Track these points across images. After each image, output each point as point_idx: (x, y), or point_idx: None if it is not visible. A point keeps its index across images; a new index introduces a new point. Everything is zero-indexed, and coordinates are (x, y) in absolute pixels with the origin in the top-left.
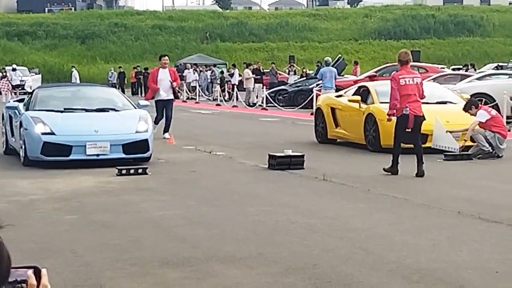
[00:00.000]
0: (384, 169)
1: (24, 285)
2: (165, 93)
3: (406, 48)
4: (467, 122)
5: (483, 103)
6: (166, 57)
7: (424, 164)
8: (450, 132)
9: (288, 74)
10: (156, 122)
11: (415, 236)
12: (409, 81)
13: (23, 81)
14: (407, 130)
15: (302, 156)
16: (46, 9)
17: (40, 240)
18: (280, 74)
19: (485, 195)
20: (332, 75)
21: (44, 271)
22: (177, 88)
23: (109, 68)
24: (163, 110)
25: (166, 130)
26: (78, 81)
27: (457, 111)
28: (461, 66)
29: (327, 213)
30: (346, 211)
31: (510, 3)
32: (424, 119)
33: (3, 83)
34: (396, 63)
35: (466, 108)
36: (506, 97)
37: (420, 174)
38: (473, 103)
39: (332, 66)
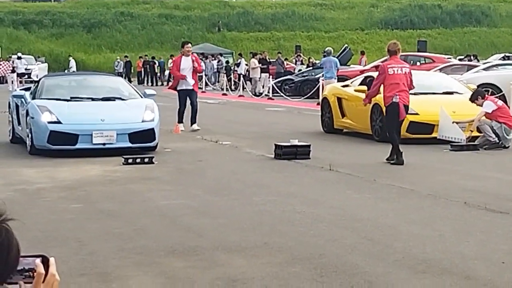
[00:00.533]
0: (386, 159)
1: (32, 273)
2: (188, 82)
3: (413, 38)
4: (474, 113)
5: (489, 93)
6: (189, 44)
7: (402, 152)
8: (457, 122)
9: (295, 64)
10: (180, 114)
11: (421, 226)
12: (397, 70)
13: (28, 69)
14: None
15: (308, 146)
16: None
17: (46, 229)
18: (287, 64)
19: (491, 186)
20: (332, 65)
21: (52, 260)
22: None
23: (115, 57)
24: (186, 100)
25: (193, 120)
26: (74, 70)
27: (464, 102)
28: (462, 57)
29: (333, 203)
30: (352, 201)
31: None
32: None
33: (3, 65)
34: (402, 53)
35: (473, 98)
36: None
37: (390, 160)
38: (479, 93)
39: (338, 56)
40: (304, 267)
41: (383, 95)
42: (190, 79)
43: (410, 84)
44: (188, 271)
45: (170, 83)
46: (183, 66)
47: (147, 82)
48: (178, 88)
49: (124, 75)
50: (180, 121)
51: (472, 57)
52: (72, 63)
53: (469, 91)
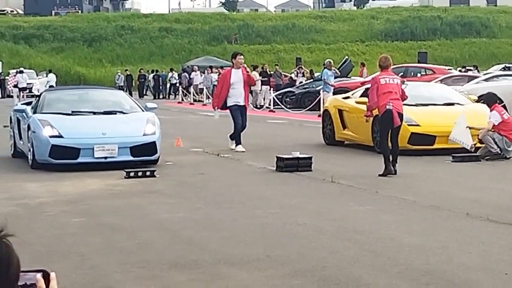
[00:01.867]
0: (379, 175)
1: None
2: (239, 98)
3: (413, 49)
4: (476, 123)
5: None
6: (242, 56)
7: (397, 164)
8: (470, 128)
9: (296, 76)
10: (236, 131)
11: (423, 238)
12: (389, 80)
13: (30, 83)
14: (395, 126)
15: (310, 158)
16: (53, 12)
17: (48, 243)
18: (285, 75)
19: (493, 197)
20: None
21: (53, 275)
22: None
23: (116, 71)
24: (240, 115)
25: (238, 141)
26: (53, 85)
27: (465, 113)
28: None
29: (335, 215)
30: (354, 213)
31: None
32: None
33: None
34: (402, 64)
35: (488, 102)
36: None
37: (391, 172)
38: (494, 99)
39: (339, 68)
40: (307, 280)
41: (377, 106)
42: (241, 95)
43: (403, 94)
44: (191, 285)
45: (212, 100)
46: (233, 79)
47: (140, 96)
48: (228, 104)
49: (125, 89)
50: (238, 141)
51: (472, 67)
52: (51, 77)
53: (470, 102)
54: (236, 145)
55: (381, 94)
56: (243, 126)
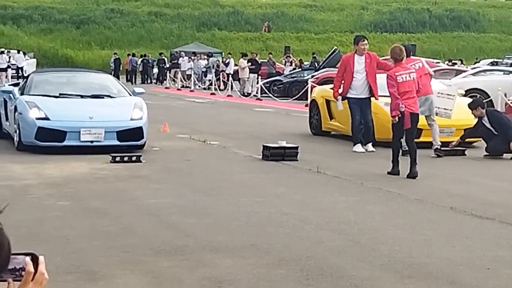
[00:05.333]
0: (388, 172)
1: (22, 271)
2: (360, 89)
3: (401, 42)
4: (463, 117)
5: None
6: (365, 41)
7: (417, 165)
8: (441, 93)
9: (285, 65)
10: (354, 127)
11: (407, 230)
12: (406, 77)
13: (14, 64)
14: (406, 128)
15: (296, 147)
16: None
17: (32, 226)
18: (277, 64)
19: (477, 192)
20: None
21: (41, 258)
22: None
23: (109, 55)
24: (360, 110)
25: (368, 138)
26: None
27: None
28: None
29: (320, 205)
30: (339, 204)
31: None
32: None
33: None
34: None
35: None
36: (501, 93)
37: (412, 175)
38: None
39: (327, 58)
40: (291, 269)
41: (390, 104)
42: (364, 85)
43: (418, 87)
44: (175, 271)
45: (333, 89)
46: (356, 68)
47: (134, 81)
48: (348, 95)
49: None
50: (357, 140)
51: (458, 61)
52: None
53: (457, 95)
54: (354, 144)
55: (398, 93)
56: (368, 123)
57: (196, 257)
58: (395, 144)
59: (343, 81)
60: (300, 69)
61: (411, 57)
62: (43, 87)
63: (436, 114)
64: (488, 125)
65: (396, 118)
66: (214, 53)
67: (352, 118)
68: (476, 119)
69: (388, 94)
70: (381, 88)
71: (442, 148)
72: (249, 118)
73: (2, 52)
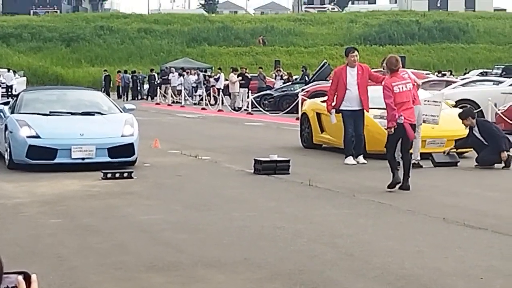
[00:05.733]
0: (388, 186)
1: None
2: (354, 101)
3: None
4: (452, 128)
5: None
6: (356, 52)
7: (410, 178)
8: (428, 101)
9: (275, 79)
10: (346, 138)
11: (400, 242)
12: (402, 88)
13: (3, 83)
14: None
15: (288, 161)
16: (32, 12)
17: (24, 244)
18: (267, 78)
19: (469, 202)
20: None
21: (34, 277)
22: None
23: (99, 72)
24: (354, 122)
25: (359, 151)
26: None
27: (442, 117)
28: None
29: (312, 219)
30: (331, 217)
31: (495, 10)
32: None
33: None
34: (382, 69)
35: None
36: (491, 104)
37: (405, 187)
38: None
39: (317, 71)
40: (284, 283)
41: (387, 115)
42: (356, 98)
43: (416, 98)
44: (168, 287)
45: (326, 102)
46: (349, 80)
47: (127, 98)
48: (342, 108)
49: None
50: (349, 152)
51: (447, 72)
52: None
53: (447, 106)
54: (345, 157)
55: (395, 104)
56: (359, 135)
57: (189, 273)
58: (390, 155)
59: (336, 94)
60: (290, 83)
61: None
62: (33, 105)
63: (424, 121)
64: (478, 135)
65: (392, 129)
66: (203, 68)
67: (344, 131)
68: (467, 129)
69: (379, 106)
70: (372, 101)
71: (437, 161)
72: (240, 133)
73: None
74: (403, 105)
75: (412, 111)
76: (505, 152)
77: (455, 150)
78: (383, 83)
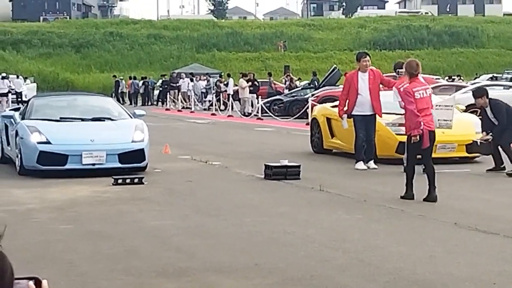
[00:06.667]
0: (401, 197)
1: None
2: (365, 107)
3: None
4: (462, 133)
5: (478, 114)
6: (367, 57)
7: (436, 188)
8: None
9: (285, 84)
10: (357, 143)
11: (411, 247)
12: (423, 93)
13: (13, 89)
14: (424, 148)
15: (298, 166)
16: (41, 18)
17: (35, 250)
18: (275, 83)
19: (481, 207)
20: None
21: (45, 283)
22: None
23: (108, 78)
24: (365, 128)
25: (369, 156)
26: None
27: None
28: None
29: (323, 224)
30: (342, 222)
31: (504, 14)
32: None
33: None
34: (395, 73)
35: (478, 95)
36: None
37: (431, 199)
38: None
39: (327, 76)
40: None
41: (405, 121)
42: (368, 102)
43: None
44: None
45: (338, 107)
46: (361, 85)
47: (136, 103)
48: (353, 113)
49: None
50: (360, 157)
51: (456, 77)
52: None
53: (457, 111)
54: (356, 162)
55: (417, 111)
56: (370, 141)
57: (200, 278)
58: (411, 166)
59: (348, 99)
60: (300, 88)
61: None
62: (44, 112)
63: (438, 126)
64: (490, 115)
65: (418, 137)
66: (212, 74)
67: (356, 136)
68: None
69: (391, 112)
70: (384, 106)
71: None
72: (250, 138)
73: (3, 78)
74: (423, 111)
75: (432, 117)
76: None
77: (488, 138)
78: (402, 88)
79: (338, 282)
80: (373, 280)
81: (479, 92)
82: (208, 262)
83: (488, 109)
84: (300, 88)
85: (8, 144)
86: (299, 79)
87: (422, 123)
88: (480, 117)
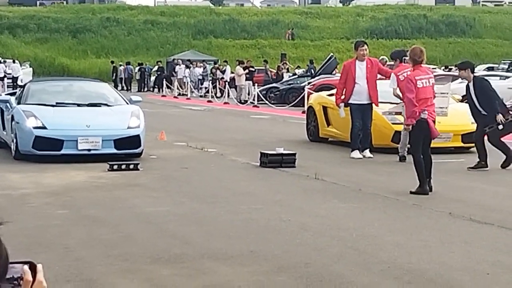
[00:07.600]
0: (411, 192)
1: (20, 280)
2: (362, 96)
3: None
4: (458, 123)
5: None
6: (365, 46)
7: (432, 179)
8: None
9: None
10: (353, 132)
11: (406, 236)
12: (426, 82)
13: (9, 74)
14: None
15: (294, 154)
16: (38, 2)
17: (31, 235)
18: (271, 71)
19: (476, 197)
20: None
21: (39, 267)
22: None
23: (105, 63)
24: (362, 116)
25: (365, 145)
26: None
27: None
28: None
29: (318, 212)
30: (337, 210)
31: (495, 5)
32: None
33: None
34: (393, 62)
35: (463, 67)
36: None
37: (422, 192)
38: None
39: (323, 65)
40: (290, 276)
41: (405, 111)
42: (365, 91)
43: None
44: (174, 279)
45: (335, 96)
46: (358, 73)
47: (131, 89)
48: (350, 101)
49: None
50: (355, 146)
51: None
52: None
53: (453, 101)
54: (352, 151)
55: (417, 100)
56: (366, 130)
57: (195, 265)
58: (418, 158)
59: (345, 88)
60: (296, 76)
61: (403, 63)
62: (39, 96)
63: None
64: (472, 92)
65: (410, 126)
66: (209, 61)
67: (352, 124)
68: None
69: (387, 101)
70: (380, 95)
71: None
72: (246, 125)
73: (0, 62)
74: (425, 101)
75: (434, 107)
76: (500, 114)
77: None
78: (402, 76)
79: (333, 270)
80: (367, 269)
81: (464, 65)
82: (204, 248)
83: (471, 85)
84: (296, 76)
85: (4, 128)
86: (298, 67)
87: (421, 112)
88: (464, 94)
